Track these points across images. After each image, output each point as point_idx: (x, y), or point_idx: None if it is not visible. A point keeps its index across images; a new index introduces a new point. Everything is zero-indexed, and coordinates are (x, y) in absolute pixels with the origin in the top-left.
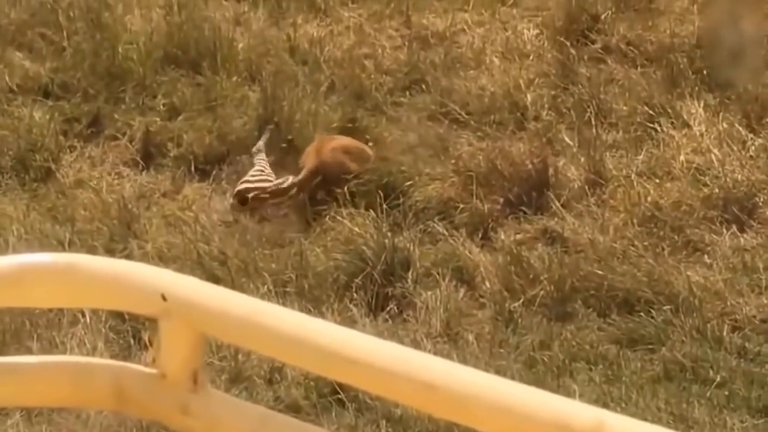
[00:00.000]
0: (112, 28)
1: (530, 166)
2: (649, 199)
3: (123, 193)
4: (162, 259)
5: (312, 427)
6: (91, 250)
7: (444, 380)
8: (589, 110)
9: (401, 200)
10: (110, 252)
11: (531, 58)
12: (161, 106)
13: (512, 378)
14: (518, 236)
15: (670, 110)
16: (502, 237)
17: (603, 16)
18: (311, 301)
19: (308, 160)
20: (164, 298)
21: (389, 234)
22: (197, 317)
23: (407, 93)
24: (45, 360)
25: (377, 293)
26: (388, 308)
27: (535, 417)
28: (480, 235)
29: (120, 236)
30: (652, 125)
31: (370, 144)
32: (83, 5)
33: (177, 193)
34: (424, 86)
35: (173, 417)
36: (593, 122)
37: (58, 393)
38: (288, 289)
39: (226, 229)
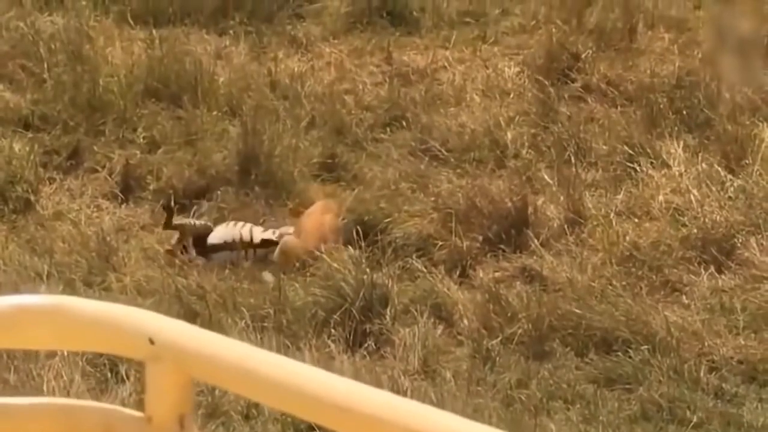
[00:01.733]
0: (93, 61)
1: (509, 204)
2: (627, 238)
3: (102, 226)
4: (140, 292)
5: None
6: (70, 283)
7: (434, 429)
8: (568, 149)
9: (380, 237)
10: (88, 285)
11: (511, 96)
12: (141, 139)
13: (489, 416)
14: (497, 274)
15: (649, 150)
16: (481, 275)
17: (584, 55)
18: (289, 337)
19: (309, 237)
20: (152, 342)
21: (368, 270)
22: (185, 361)
23: (387, 129)
24: (33, 402)
25: (355, 329)
26: (366, 344)
27: None
28: (458, 273)
29: (98, 269)
30: (631, 165)
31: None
32: (64, 38)
33: (156, 226)
34: (404, 122)
35: None
36: (573, 161)
37: None
38: (266, 324)
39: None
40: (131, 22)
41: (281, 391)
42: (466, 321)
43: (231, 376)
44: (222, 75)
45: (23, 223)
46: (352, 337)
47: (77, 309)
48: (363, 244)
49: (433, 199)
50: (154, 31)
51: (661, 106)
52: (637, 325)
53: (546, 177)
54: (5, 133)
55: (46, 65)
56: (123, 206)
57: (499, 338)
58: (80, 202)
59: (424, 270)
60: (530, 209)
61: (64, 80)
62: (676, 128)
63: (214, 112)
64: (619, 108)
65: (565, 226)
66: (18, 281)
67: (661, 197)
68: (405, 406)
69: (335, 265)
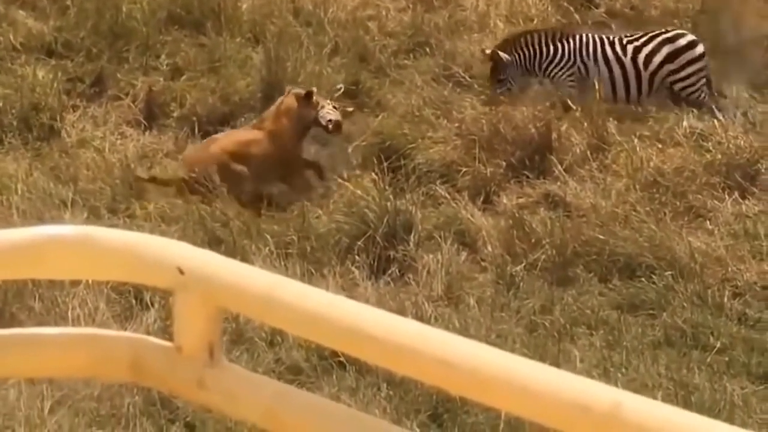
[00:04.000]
0: None
1: (533, 130)
2: (651, 164)
3: (126, 153)
4: (164, 220)
5: (326, 401)
6: (94, 211)
7: (462, 358)
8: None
9: (403, 162)
10: (113, 212)
11: (535, 21)
12: (164, 67)
13: (513, 342)
14: (520, 200)
15: None
16: (504, 201)
17: None
18: (313, 264)
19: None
20: (181, 272)
21: (391, 197)
22: (213, 290)
23: (411, 55)
24: (62, 332)
25: (379, 256)
26: (390, 271)
27: (553, 397)
28: (482, 199)
29: (122, 196)
30: None
31: None
32: None
33: (179, 153)
34: (427, 49)
35: (189, 390)
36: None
37: (76, 364)
38: (290, 251)
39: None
40: None
41: (308, 320)
42: (489, 247)
43: (259, 305)
44: (245, 2)
45: (47, 151)
46: (375, 264)
47: (106, 239)
48: (386, 170)
49: (456, 125)
50: None
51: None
52: (660, 251)
53: (569, 103)
54: (29, 60)
55: None
56: (146, 133)
57: (523, 264)
58: (104, 129)
59: (448, 196)
60: (554, 135)
61: (87, 7)
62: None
63: (238, 39)
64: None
65: (589, 152)
66: (42, 209)
67: (684, 123)
68: (430, 334)
69: (358, 191)
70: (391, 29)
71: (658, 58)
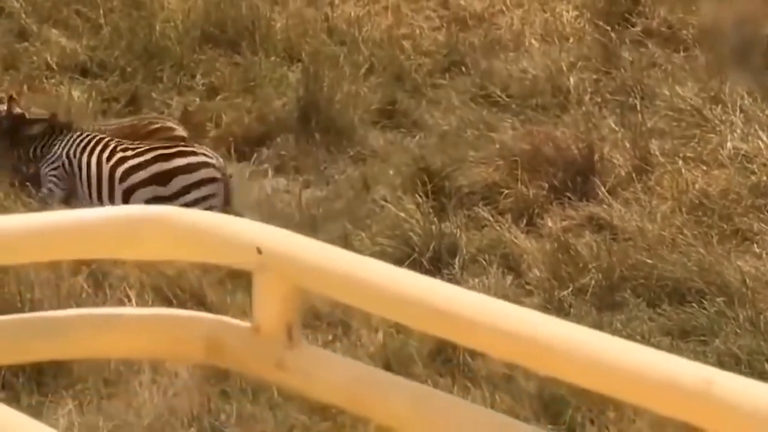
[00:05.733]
0: (149, 6)
1: (575, 151)
2: (696, 186)
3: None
4: None
5: (408, 382)
6: None
7: (548, 335)
8: (632, 95)
9: (445, 184)
10: None
11: (571, 40)
12: (200, 86)
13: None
14: (564, 223)
15: (714, 96)
16: (549, 223)
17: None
18: None
19: None
20: (259, 252)
21: (436, 220)
22: (292, 271)
23: (447, 75)
24: (140, 312)
25: None
26: None
27: (643, 375)
28: (525, 221)
29: None
30: (697, 111)
31: None
32: None
33: None
34: (463, 68)
35: (268, 371)
36: (638, 107)
37: (152, 345)
38: None
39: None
40: None
41: (389, 299)
42: (535, 271)
43: (339, 284)
44: (278, 20)
45: None
46: None
47: (186, 220)
48: (429, 192)
49: (497, 146)
50: None
51: (725, 50)
52: (710, 276)
53: (612, 124)
54: (63, 80)
55: (101, 11)
56: None
57: (570, 289)
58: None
59: (491, 219)
60: (596, 156)
61: (120, 26)
62: (741, 73)
63: (272, 58)
64: (681, 53)
65: (632, 174)
66: None
67: (729, 144)
68: (528, 317)
69: (402, 214)
70: (426, 48)
71: (143, 175)
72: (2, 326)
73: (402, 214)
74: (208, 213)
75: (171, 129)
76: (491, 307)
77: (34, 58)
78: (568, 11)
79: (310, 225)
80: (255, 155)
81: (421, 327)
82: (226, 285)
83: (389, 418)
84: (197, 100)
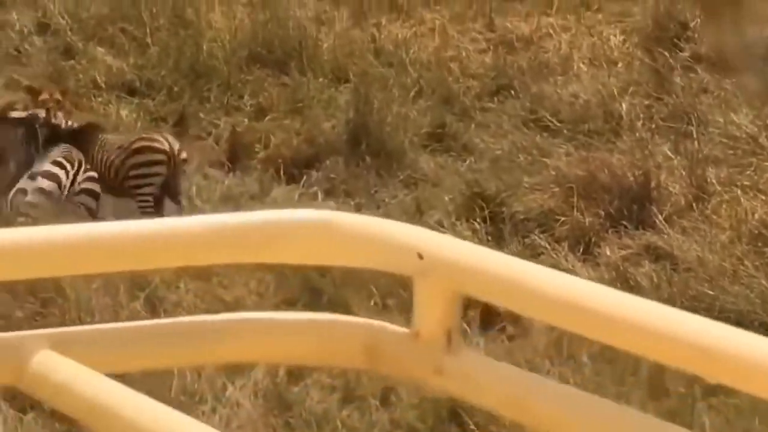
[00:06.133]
0: (196, 25)
1: (631, 178)
2: (756, 216)
3: (211, 196)
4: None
5: (576, 391)
6: None
7: (725, 345)
8: (685, 121)
9: (503, 210)
10: None
11: (619, 65)
12: (247, 106)
13: (628, 405)
14: (622, 252)
15: None
16: (607, 252)
17: (692, 24)
18: None
19: None
20: (420, 257)
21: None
22: (454, 276)
23: (495, 98)
24: (297, 317)
25: (485, 309)
26: (499, 326)
27: None
28: (582, 249)
29: None
30: (752, 138)
31: None
32: (166, 1)
33: (265, 195)
34: (512, 91)
35: (426, 377)
36: (695, 134)
37: (310, 350)
38: (387, 302)
39: None
40: None
41: (553, 305)
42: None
43: (501, 290)
44: (325, 41)
45: None
46: (480, 319)
47: (347, 224)
48: (486, 218)
49: (553, 172)
50: None
51: None
52: None
53: (667, 151)
54: (111, 99)
55: (148, 29)
56: (230, 175)
57: None
58: (189, 169)
59: (548, 246)
60: (653, 184)
61: (168, 45)
62: None
63: (320, 79)
64: (732, 78)
65: (690, 202)
66: None
67: None
68: (694, 322)
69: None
70: (474, 71)
71: None
72: (151, 330)
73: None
74: (371, 218)
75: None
76: (667, 315)
77: (81, 76)
78: (615, 35)
79: None
80: (304, 178)
81: (588, 333)
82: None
83: (551, 425)
84: (245, 120)
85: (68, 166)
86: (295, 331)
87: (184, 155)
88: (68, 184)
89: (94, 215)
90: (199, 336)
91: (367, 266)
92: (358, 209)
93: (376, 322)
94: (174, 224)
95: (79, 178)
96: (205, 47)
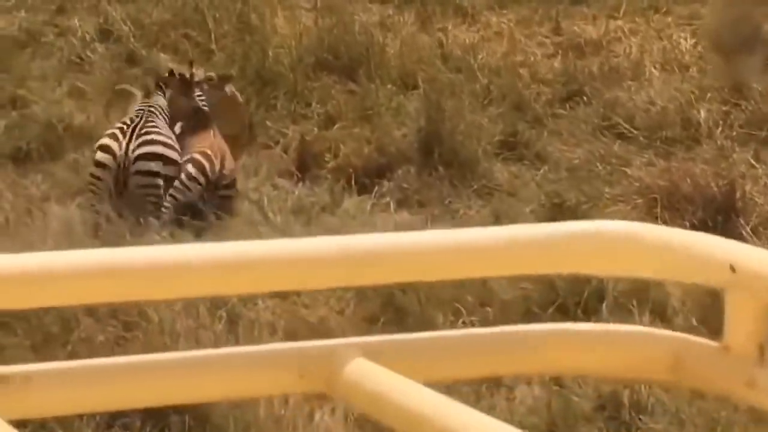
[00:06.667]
0: (261, 31)
1: (715, 188)
2: None
3: (282, 207)
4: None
5: None
6: None
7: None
8: (765, 128)
9: None
10: None
11: (691, 69)
12: (315, 114)
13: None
14: None
15: None
16: None
17: (766, 26)
18: None
19: None
20: (733, 269)
21: None
22: (766, 289)
23: (567, 105)
24: (599, 328)
25: None
26: None
27: None
28: None
29: None
30: None
31: None
32: (229, 5)
33: (337, 207)
34: (584, 97)
35: (737, 390)
36: None
37: (613, 362)
38: (472, 318)
39: None
40: None
41: None
42: (686, 318)
43: None
44: (391, 46)
45: None
46: None
47: (655, 236)
48: None
49: (636, 183)
50: (317, 0)
51: None
52: None
53: (750, 159)
54: None
55: (213, 35)
56: (300, 185)
57: None
58: (256, 180)
59: None
60: (737, 194)
61: (233, 51)
62: None
63: (388, 86)
64: None
65: None
66: None
67: None
68: None
69: None
70: (543, 76)
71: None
72: (455, 341)
73: None
74: (677, 230)
75: None
76: None
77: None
78: (685, 39)
79: None
80: (376, 188)
81: None
82: None
83: None
84: (314, 129)
85: None
86: (599, 342)
87: None
88: None
89: None
90: (502, 346)
91: (675, 278)
92: (433, 220)
93: (681, 335)
94: (473, 235)
95: None
96: (270, 53)
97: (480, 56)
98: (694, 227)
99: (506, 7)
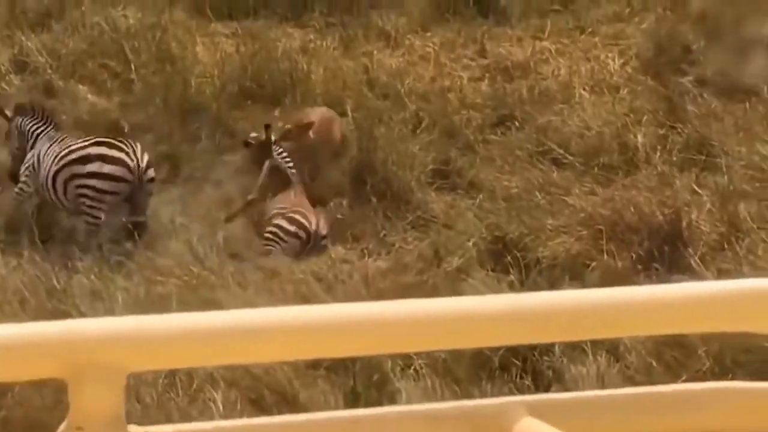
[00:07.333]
0: (182, 60)
1: (660, 217)
2: None
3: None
4: None
5: None
6: None
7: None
8: (704, 152)
9: (525, 255)
10: None
11: (622, 91)
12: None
13: None
14: None
15: None
16: None
17: (694, 47)
18: (452, 380)
19: None
20: None
21: None
22: None
23: (498, 130)
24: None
25: (524, 369)
26: (543, 383)
27: None
28: None
29: None
30: None
31: None
32: (146, 34)
33: None
34: (516, 123)
35: None
36: (723, 167)
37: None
38: (422, 363)
39: None
40: (210, 15)
41: None
42: (635, 357)
43: None
44: (315, 73)
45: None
46: (519, 376)
47: None
48: (510, 264)
49: (580, 214)
50: (237, 26)
51: None
52: None
53: (693, 185)
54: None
55: (132, 65)
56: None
57: (683, 378)
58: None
59: None
60: (684, 223)
61: (153, 82)
62: None
63: None
64: (746, 104)
65: (724, 242)
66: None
67: None
68: None
69: (483, 290)
70: (472, 101)
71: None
72: (595, 401)
73: (484, 290)
74: None
75: None
76: None
77: (64, 116)
78: (613, 60)
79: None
80: None
81: None
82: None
83: None
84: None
85: None
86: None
87: None
88: None
89: None
90: (669, 404)
91: None
92: (368, 254)
93: None
94: (654, 292)
95: None
96: (193, 83)
97: (407, 81)
98: (640, 259)
99: (429, 29)
